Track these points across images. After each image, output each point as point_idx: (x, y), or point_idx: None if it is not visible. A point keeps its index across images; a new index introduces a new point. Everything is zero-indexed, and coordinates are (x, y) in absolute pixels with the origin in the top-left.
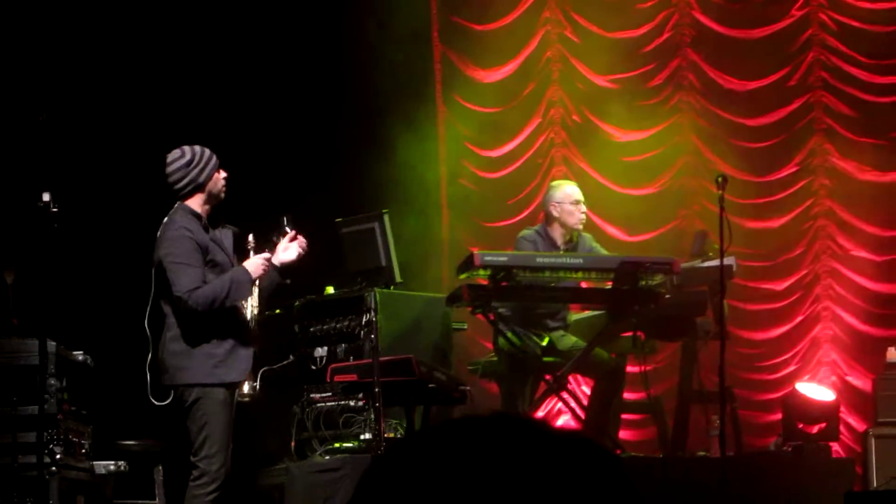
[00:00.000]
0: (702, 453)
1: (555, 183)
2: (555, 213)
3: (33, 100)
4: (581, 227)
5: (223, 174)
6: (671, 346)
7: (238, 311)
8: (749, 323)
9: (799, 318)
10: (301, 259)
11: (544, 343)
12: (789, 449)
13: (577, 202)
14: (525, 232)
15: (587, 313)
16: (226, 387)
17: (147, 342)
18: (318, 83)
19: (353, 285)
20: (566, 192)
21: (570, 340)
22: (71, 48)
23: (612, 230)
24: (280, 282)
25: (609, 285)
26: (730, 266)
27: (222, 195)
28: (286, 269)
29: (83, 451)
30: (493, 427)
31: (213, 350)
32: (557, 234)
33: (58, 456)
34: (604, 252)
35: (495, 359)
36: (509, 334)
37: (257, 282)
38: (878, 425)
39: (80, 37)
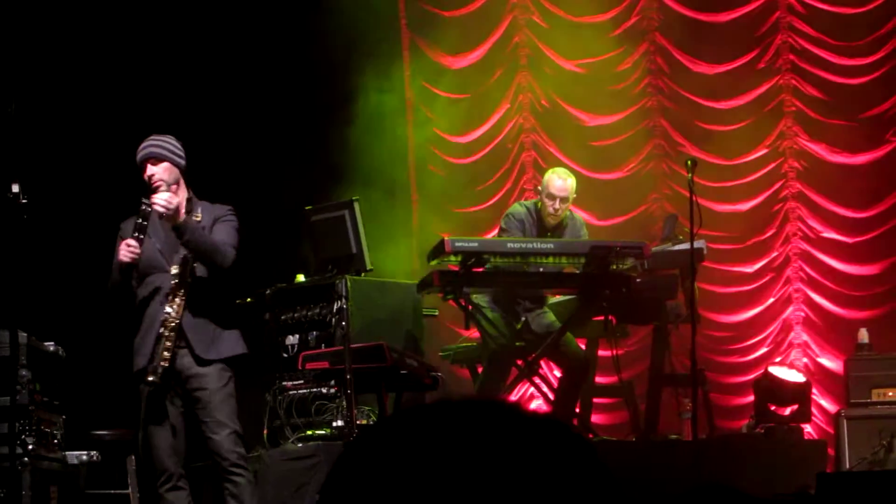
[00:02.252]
0: (674, 436)
1: (550, 170)
2: (539, 197)
3: (1, 91)
4: (553, 221)
5: (145, 175)
6: (642, 329)
7: (143, 300)
8: (720, 306)
9: (770, 301)
10: (170, 205)
11: (518, 326)
12: (761, 431)
13: (551, 196)
14: (515, 208)
15: (560, 298)
16: (139, 376)
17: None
18: (286, 71)
19: (324, 273)
20: (545, 183)
21: (548, 318)
22: (39, 38)
23: (582, 214)
24: (182, 241)
25: (580, 270)
26: (700, 249)
27: (156, 190)
28: (178, 227)
29: (55, 441)
30: (465, 410)
31: (134, 341)
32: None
33: (30, 447)
34: (586, 238)
35: (467, 344)
36: (484, 323)
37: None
38: (849, 406)
39: (47, 27)
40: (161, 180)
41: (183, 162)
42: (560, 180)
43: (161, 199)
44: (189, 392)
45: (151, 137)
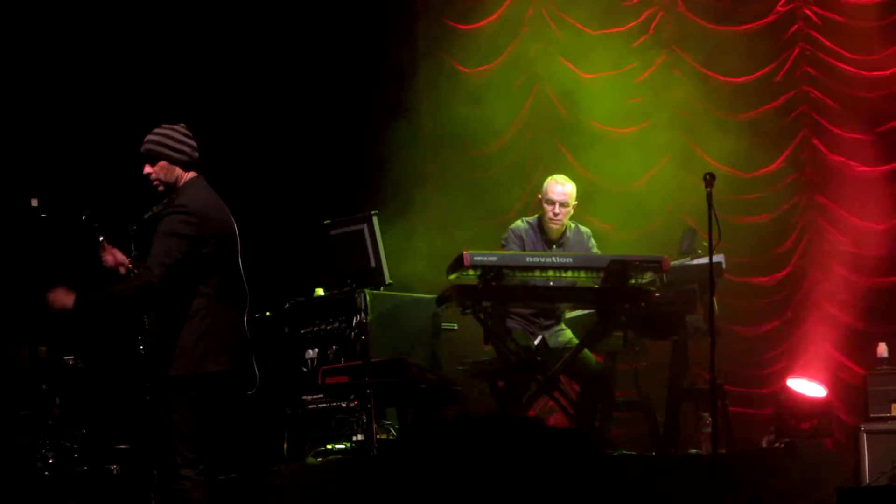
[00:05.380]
0: (694, 451)
1: (550, 176)
2: (540, 206)
3: (21, 107)
4: (555, 226)
5: (144, 171)
6: (662, 343)
7: None
8: (739, 319)
9: (789, 314)
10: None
11: (535, 344)
12: (781, 445)
13: (550, 201)
14: (516, 224)
15: (579, 312)
16: None
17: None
18: (302, 86)
19: (343, 287)
20: (544, 189)
21: (565, 336)
22: (59, 55)
23: (600, 227)
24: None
25: (599, 284)
26: (719, 263)
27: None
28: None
29: (75, 454)
30: (487, 426)
31: None
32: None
33: (50, 460)
34: (597, 251)
35: (486, 359)
36: (506, 340)
37: None
38: (869, 420)
39: (63, 43)
40: (156, 181)
41: (183, 156)
42: (559, 185)
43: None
44: None
45: (154, 131)
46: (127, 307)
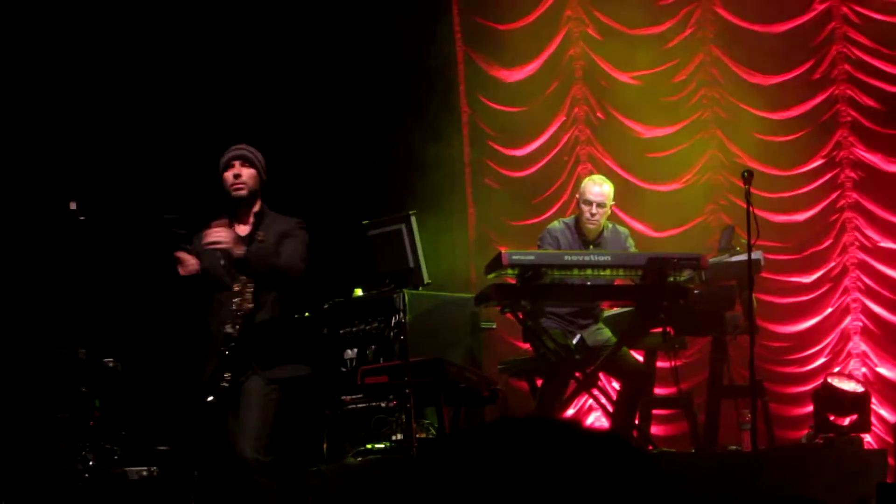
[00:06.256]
0: (734, 447)
1: (587, 177)
2: (578, 207)
3: (60, 110)
4: (592, 227)
5: (231, 172)
6: (701, 340)
7: (209, 316)
8: (778, 316)
9: (828, 311)
10: (221, 242)
11: (574, 341)
12: (821, 441)
13: (587, 202)
14: (553, 224)
15: (617, 310)
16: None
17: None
18: (342, 86)
19: (382, 287)
20: (581, 189)
21: (604, 335)
22: (97, 62)
23: (638, 226)
24: (246, 273)
25: (637, 282)
26: (757, 260)
27: (232, 193)
28: (240, 262)
29: (115, 456)
30: (526, 429)
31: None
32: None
33: (90, 462)
34: (634, 251)
35: (525, 357)
36: (543, 336)
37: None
38: None
39: (103, 49)
40: (244, 183)
41: (264, 181)
42: (596, 186)
43: (214, 237)
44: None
45: (245, 145)
46: (279, 279)
